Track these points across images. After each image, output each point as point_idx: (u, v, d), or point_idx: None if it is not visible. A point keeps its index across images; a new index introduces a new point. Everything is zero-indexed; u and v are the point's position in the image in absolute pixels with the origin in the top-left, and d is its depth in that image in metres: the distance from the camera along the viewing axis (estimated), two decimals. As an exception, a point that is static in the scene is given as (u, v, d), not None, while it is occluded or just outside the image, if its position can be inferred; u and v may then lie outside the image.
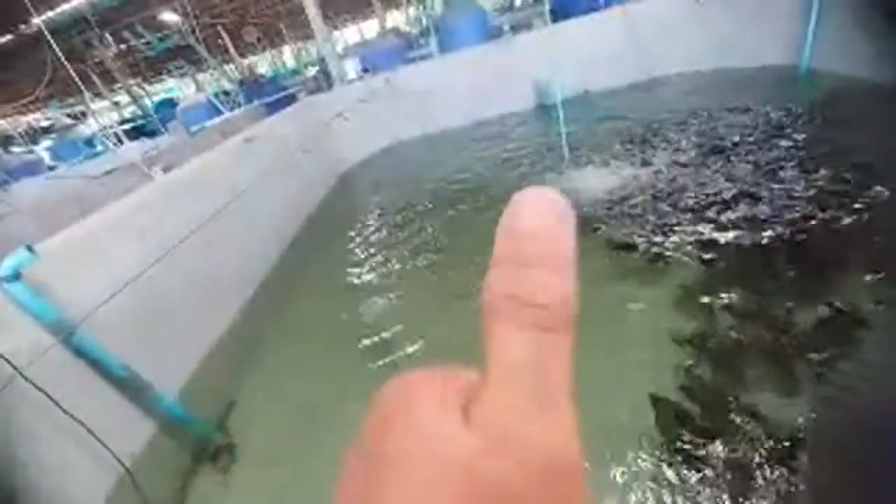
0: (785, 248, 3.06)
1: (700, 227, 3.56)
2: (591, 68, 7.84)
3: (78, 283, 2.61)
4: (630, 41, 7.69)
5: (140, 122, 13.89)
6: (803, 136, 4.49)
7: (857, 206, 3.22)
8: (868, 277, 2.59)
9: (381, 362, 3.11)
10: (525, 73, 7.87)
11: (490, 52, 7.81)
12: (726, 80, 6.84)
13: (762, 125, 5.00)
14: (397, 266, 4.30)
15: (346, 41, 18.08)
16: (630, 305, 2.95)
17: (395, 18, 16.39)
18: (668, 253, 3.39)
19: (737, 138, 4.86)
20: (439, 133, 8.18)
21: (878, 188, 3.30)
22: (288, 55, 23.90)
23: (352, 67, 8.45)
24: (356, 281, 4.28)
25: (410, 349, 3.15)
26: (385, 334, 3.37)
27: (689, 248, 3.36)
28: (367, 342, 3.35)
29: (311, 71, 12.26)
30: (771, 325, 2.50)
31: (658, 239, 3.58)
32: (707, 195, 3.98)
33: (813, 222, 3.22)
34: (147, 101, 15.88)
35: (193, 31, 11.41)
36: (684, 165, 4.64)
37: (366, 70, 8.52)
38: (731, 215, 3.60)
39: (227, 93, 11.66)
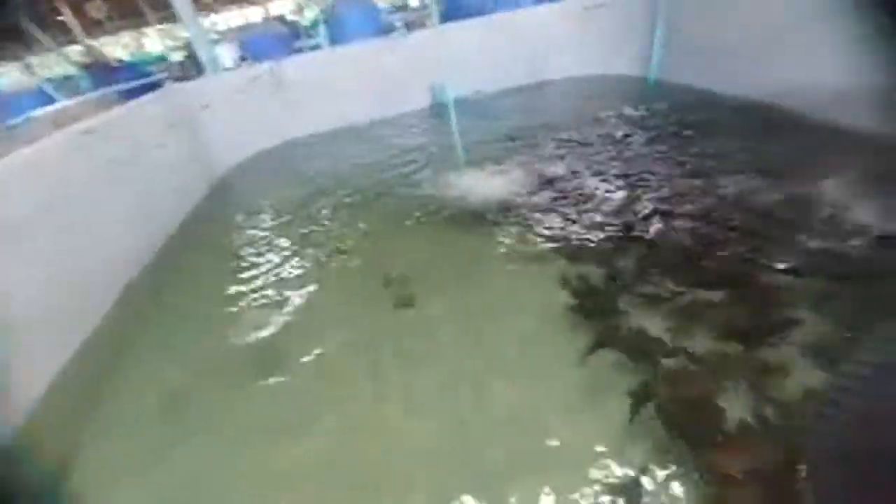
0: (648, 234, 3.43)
1: (579, 216, 3.87)
2: (485, 69, 8.10)
3: None
4: (519, 45, 8.12)
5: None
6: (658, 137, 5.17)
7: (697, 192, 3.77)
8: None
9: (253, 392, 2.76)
10: (421, 71, 7.84)
11: (384, 48, 7.60)
12: (601, 85, 7.60)
13: (624, 126, 5.68)
14: (283, 287, 3.83)
15: (226, 24, 16.29)
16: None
17: (282, 6, 15.25)
18: (552, 238, 3.62)
19: (602, 137, 5.46)
20: (333, 131, 7.72)
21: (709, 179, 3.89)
22: (154, 38, 20.92)
23: (229, 54, 7.56)
24: (233, 304, 3.74)
25: (295, 383, 2.83)
26: (268, 367, 3.00)
27: (567, 232, 3.62)
28: (244, 378, 2.93)
29: (177, 56, 10.71)
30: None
31: (545, 227, 3.81)
32: (582, 188, 4.36)
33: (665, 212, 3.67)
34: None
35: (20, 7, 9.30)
36: (565, 162, 5.00)
37: (244, 58, 7.70)
38: (603, 206, 3.98)
39: (68, 78, 9.68)
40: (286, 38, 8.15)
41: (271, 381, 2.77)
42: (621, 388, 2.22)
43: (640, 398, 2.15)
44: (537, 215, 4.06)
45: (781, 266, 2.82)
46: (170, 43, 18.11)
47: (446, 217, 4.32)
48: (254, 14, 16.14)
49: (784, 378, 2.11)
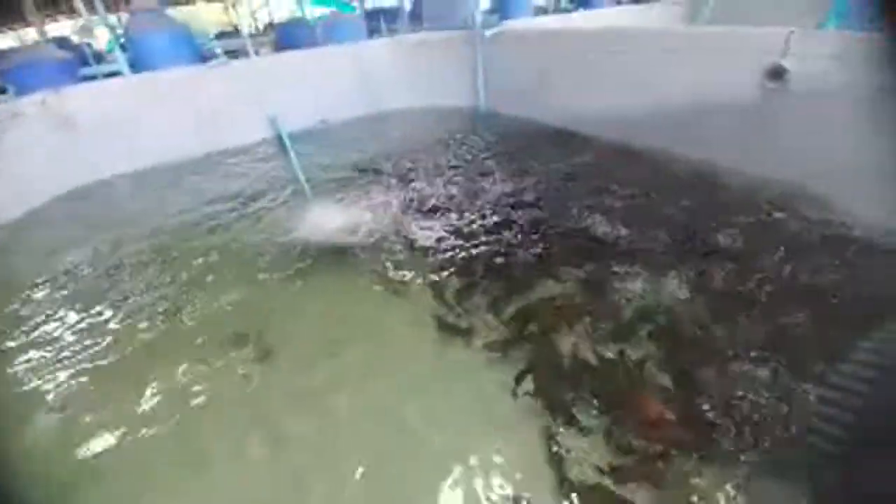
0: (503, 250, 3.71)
1: (434, 235, 4.04)
2: (326, 100, 7.93)
3: None
4: (358, 77, 8.16)
5: None
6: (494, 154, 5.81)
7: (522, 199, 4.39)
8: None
9: None
10: (257, 101, 7.26)
11: (205, 76, 6.82)
12: (435, 115, 8.13)
13: (462, 151, 6.19)
14: (100, 359, 2.99)
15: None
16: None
17: (69, 26, 12.69)
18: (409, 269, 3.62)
19: (444, 162, 5.85)
20: (147, 170, 6.55)
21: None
22: None
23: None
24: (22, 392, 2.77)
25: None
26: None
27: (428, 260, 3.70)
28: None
29: None
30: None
31: (402, 251, 3.86)
32: (432, 209, 4.58)
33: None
34: None
35: None
36: (414, 188, 5.12)
37: (2, 90, 6.04)
38: (454, 222, 4.26)
39: None
40: (68, 64, 6.68)
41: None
42: (500, 375, 2.49)
43: (519, 378, 2.43)
44: (392, 241, 4.04)
45: (601, 243, 3.71)
46: None
47: (297, 258, 3.96)
48: (28, 37, 13.03)
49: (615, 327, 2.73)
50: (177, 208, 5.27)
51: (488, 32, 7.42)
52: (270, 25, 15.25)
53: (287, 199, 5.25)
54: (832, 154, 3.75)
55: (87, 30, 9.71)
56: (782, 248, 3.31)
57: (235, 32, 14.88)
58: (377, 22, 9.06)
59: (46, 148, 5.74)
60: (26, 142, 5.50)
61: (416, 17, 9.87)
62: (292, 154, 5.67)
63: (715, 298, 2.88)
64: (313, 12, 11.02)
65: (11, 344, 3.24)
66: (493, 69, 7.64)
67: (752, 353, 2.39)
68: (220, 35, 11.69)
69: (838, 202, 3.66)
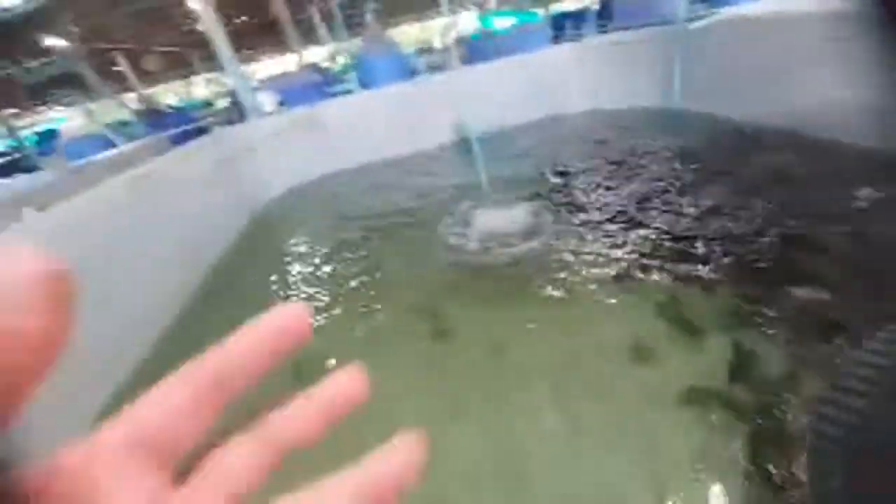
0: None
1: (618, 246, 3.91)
2: (505, 106, 8.44)
3: None
4: (535, 84, 8.45)
5: (16, 155, 12.13)
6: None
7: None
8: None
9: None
10: (443, 110, 8.23)
11: (409, 90, 8.07)
12: (615, 118, 7.83)
13: (653, 155, 5.83)
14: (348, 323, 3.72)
15: (266, 72, 17.67)
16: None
17: (316, 54, 16.40)
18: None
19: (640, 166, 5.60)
20: (360, 167, 8.16)
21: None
22: (201, 86, 22.76)
23: (269, 100, 8.21)
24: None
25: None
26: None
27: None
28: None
29: (224, 102, 11.67)
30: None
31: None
32: (615, 215, 4.46)
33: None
34: (26, 133, 13.99)
35: (83, 58, 10.45)
36: (601, 190, 5.10)
37: (282, 103, 8.33)
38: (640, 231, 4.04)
39: (125, 123, 10.66)
40: (319, 83, 8.78)
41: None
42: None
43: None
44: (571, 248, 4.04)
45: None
46: (215, 89, 19.71)
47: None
48: (289, 62, 17.49)
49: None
50: (383, 195, 6.49)
51: (692, 26, 6.74)
52: (459, 41, 16.79)
53: (469, 196, 5.80)
54: None
55: (332, 56, 12.48)
56: None
57: (430, 50, 16.79)
58: (561, 28, 9.15)
59: (304, 147, 7.71)
60: (295, 143, 7.50)
61: (606, 17, 9.57)
62: (479, 158, 6.27)
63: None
64: (503, 24, 11.75)
65: (276, 285, 4.58)
66: (696, 65, 6.84)
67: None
68: (420, 52, 13.42)
69: None
